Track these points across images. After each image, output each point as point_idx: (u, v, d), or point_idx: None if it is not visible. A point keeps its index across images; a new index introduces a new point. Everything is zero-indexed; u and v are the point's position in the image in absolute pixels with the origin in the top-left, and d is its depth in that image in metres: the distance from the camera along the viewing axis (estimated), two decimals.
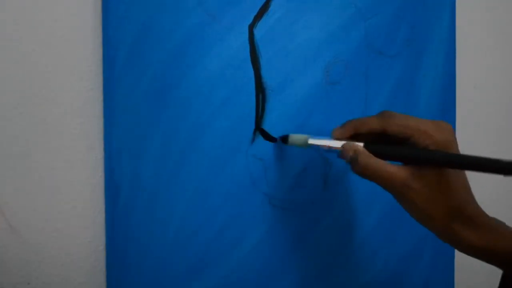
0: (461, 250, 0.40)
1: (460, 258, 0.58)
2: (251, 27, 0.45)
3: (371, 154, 0.40)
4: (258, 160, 0.46)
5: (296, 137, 0.44)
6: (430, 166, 0.39)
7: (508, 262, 0.39)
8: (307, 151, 0.48)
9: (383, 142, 0.41)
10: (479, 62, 0.61)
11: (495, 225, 0.39)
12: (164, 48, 0.42)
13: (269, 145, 0.47)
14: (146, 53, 0.42)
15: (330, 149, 0.42)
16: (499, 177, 0.38)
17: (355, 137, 0.42)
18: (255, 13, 0.45)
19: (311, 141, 0.43)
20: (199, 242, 0.44)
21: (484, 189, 0.47)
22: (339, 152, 0.42)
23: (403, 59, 0.53)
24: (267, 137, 0.46)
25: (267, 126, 0.46)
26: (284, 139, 0.45)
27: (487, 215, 0.40)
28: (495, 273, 0.42)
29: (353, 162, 0.40)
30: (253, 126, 0.46)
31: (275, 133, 0.47)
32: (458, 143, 0.40)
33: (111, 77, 0.41)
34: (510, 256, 0.38)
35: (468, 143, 0.60)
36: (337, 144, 0.42)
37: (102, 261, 0.43)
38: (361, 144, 0.41)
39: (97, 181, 0.42)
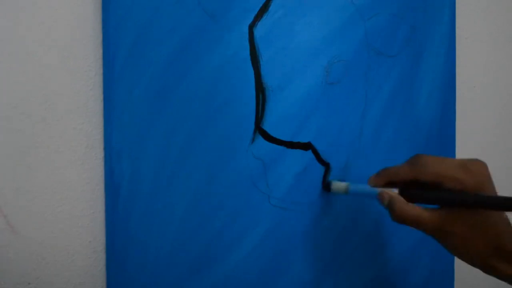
0: (505, 281, 0.40)
1: None
2: (251, 27, 0.45)
3: (405, 201, 0.41)
4: (258, 160, 0.46)
5: (338, 185, 0.47)
6: (461, 208, 0.39)
7: None
8: (307, 153, 0.48)
9: (418, 186, 0.42)
10: (479, 62, 0.61)
11: None
12: (164, 48, 0.42)
13: (269, 145, 0.47)
14: (146, 53, 0.42)
15: (369, 195, 0.45)
16: None
17: (389, 184, 0.43)
18: (255, 13, 0.45)
19: (352, 189, 0.46)
20: (199, 242, 0.44)
21: None
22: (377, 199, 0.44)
23: (403, 59, 0.53)
24: (267, 137, 0.46)
25: (267, 126, 0.46)
26: (326, 186, 0.48)
27: None
28: None
29: (390, 209, 0.42)
30: (253, 126, 0.46)
31: (275, 133, 0.47)
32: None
33: (111, 77, 0.41)
34: None
35: (468, 143, 0.60)
36: (375, 191, 0.44)
37: (102, 261, 0.43)
38: (396, 190, 0.43)
39: (97, 181, 0.42)
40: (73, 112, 0.42)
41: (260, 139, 0.46)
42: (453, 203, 0.40)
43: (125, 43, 0.41)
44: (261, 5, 0.46)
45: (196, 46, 0.43)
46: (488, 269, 0.40)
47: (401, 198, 0.42)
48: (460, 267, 0.58)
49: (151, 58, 0.42)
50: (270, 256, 0.47)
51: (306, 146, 0.48)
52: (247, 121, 0.46)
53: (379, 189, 0.44)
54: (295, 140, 0.48)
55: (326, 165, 0.49)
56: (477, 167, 0.40)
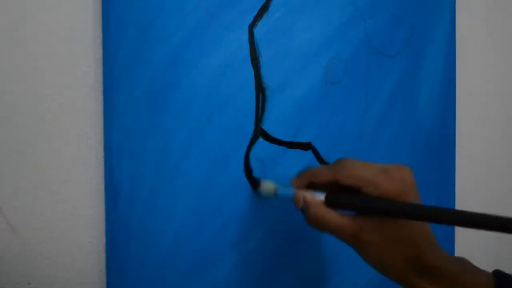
0: None
1: None
2: (251, 27, 0.45)
3: (322, 205, 0.39)
4: (258, 160, 0.46)
5: (267, 186, 0.44)
6: (376, 215, 0.37)
7: None
8: (307, 153, 0.48)
9: (341, 191, 0.39)
10: (479, 62, 0.61)
11: (458, 273, 0.37)
12: (164, 48, 0.42)
13: (269, 145, 0.47)
14: (146, 53, 0.42)
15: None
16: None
17: (312, 186, 0.40)
18: (255, 13, 0.45)
19: (280, 192, 0.43)
20: (199, 242, 0.44)
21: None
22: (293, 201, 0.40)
23: (403, 59, 0.53)
24: (267, 137, 0.46)
25: (267, 126, 0.46)
26: (256, 186, 0.45)
27: (450, 262, 0.37)
28: None
29: (304, 213, 0.39)
30: (253, 126, 0.46)
31: (275, 133, 0.47)
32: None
33: (111, 77, 0.41)
34: None
35: (468, 143, 0.60)
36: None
37: (102, 261, 0.43)
38: (322, 196, 0.39)
39: (97, 181, 0.42)
40: (73, 112, 0.42)
41: (260, 139, 0.46)
42: (367, 209, 0.37)
43: (125, 43, 0.41)
44: (261, 5, 0.46)
45: (196, 46, 0.43)
46: (408, 286, 0.37)
47: (318, 201, 0.39)
48: None
49: (151, 58, 0.42)
50: (270, 257, 0.47)
51: (306, 146, 0.48)
52: (247, 121, 0.46)
53: (295, 191, 0.40)
54: (295, 140, 0.48)
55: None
56: (399, 173, 0.37)
